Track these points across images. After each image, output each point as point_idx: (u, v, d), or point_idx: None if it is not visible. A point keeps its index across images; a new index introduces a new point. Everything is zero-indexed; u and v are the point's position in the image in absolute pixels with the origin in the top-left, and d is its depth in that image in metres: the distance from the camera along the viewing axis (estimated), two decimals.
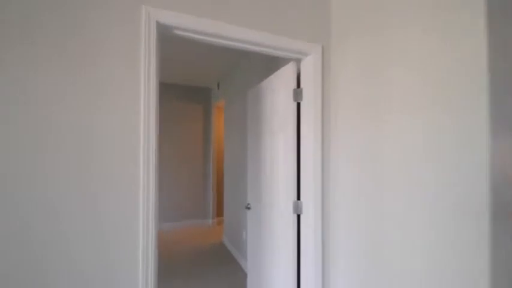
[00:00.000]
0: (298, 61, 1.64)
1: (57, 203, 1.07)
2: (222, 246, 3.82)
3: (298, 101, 1.61)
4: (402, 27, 1.16)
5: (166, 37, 2.81)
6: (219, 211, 5.36)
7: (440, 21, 1.02)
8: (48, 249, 1.05)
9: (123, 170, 1.15)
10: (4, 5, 1.01)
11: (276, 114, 1.81)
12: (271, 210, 1.86)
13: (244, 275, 2.92)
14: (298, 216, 1.62)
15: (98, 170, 1.12)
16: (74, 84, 1.09)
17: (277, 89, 1.80)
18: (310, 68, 1.53)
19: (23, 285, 1.02)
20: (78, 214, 1.10)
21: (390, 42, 1.21)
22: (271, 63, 2.54)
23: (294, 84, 1.62)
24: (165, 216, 4.72)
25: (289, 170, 1.62)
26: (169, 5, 1.24)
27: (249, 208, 2.26)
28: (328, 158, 1.54)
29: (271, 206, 1.86)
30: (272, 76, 1.89)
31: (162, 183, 4.72)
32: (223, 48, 3.13)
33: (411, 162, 1.11)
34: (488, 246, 0.87)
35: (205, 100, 5.08)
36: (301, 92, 1.59)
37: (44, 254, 1.05)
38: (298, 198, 1.61)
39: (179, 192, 4.84)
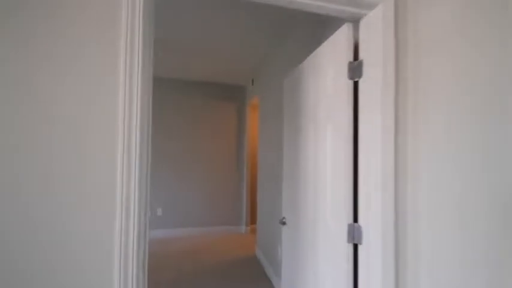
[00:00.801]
0: (355, 22, 1.15)
1: None
2: (254, 260, 3.39)
3: (356, 79, 1.12)
4: None
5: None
6: (254, 218, 4.96)
7: None
8: None
9: (85, 180, 0.80)
10: None
11: (322, 101, 1.34)
12: (314, 233, 1.38)
13: None
14: (355, 246, 1.11)
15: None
16: (18, 59, 0.76)
17: (324, 65, 1.32)
18: (376, 27, 1.03)
19: None
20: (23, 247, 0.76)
21: None
22: (311, 45, 2.06)
23: (349, 56, 1.13)
24: (194, 221, 4.46)
25: (342, 177, 1.14)
26: None
27: (284, 223, 1.80)
28: (405, 163, 1.01)
29: (314, 227, 1.38)
30: (316, 50, 1.42)
31: (191, 185, 4.48)
32: (256, 38, 2.74)
33: None
34: None
35: (238, 99, 4.75)
36: (360, 65, 1.10)
37: None
38: (355, 219, 1.11)
39: (211, 196, 4.55)
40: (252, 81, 4.09)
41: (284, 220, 1.80)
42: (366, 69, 1.07)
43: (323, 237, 1.29)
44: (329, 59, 1.27)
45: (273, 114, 3.00)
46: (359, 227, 1.07)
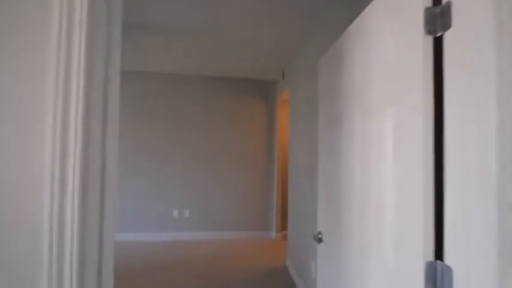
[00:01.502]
0: None
1: None
2: (284, 272, 3.02)
3: (438, 33, 0.71)
4: None
5: None
6: (285, 223, 4.58)
7: None
8: None
9: None
10: None
11: (376, 77, 0.94)
12: (362, 264, 0.99)
13: None
14: None
15: None
16: None
17: (379, 25, 0.93)
18: None
19: None
20: None
21: None
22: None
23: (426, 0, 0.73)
24: (222, 224, 4.22)
25: (414, 189, 0.74)
26: None
27: (320, 240, 1.42)
28: None
29: (364, 255, 0.99)
30: (365, 11, 1.03)
31: (220, 187, 4.24)
32: (289, 23, 2.38)
33: None
34: None
35: (268, 95, 4.42)
36: (447, 10, 0.69)
37: None
38: (439, 256, 0.71)
39: (239, 198, 4.27)
40: (283, 74, 3.72)
41: (320, 236, 1.42)
42: (459, 15, 0.66)
43: (377, 274, 0.90)
44: (388, 13, 0.88)
45: (305, 107, 2.61)
46: (447, 269, 0.67)
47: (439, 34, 0.71)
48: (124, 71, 4.10)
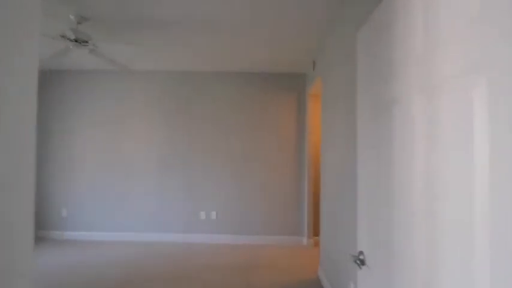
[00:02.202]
0: None
1: None
2: (316, 285, 2.70)
3: None
4: None
5: None
6: (318, 228, 4.22)
7: None
8: None
9: None
10: None
11: (450, 38, 0.62)
12: None
13: None
14: None
15: None
16: None
17: None
18: None
19: None
20: None
21: None
22: None
23: None
24: (250, 227, 4.00)
25: None
26: None
27: (362, 263, 1.11)
28: None
29: None
30: None
31: (248, 187, 4.02)
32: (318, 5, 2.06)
33: None
34: None
35: (297, 89, 4.10)
36: None
37: None
38: None
39: (268, 200, 4.02)
40: (314, 64, 3.39)
41: (362, 258, 1.11)
42: None
43: None
44: None
45: (340, 97, 2.27)
46: None
47: None
48: (148, 71, 4.08)
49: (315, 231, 4.13)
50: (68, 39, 2.41)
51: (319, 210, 4.12)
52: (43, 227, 4.07)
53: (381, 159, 0.98)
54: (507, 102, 0.49)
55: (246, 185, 4.01)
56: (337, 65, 2.37)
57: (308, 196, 3.90)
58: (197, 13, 2.40)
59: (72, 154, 4.08)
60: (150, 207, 4.03)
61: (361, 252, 1.12)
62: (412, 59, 0.79)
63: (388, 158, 0.92)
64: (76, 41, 2.44)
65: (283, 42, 2.96)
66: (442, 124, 0.66)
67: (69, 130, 4.10)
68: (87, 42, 2.48)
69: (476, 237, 0.55)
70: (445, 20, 0.65)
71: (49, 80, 4.14)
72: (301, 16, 2.41)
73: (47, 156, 4.10)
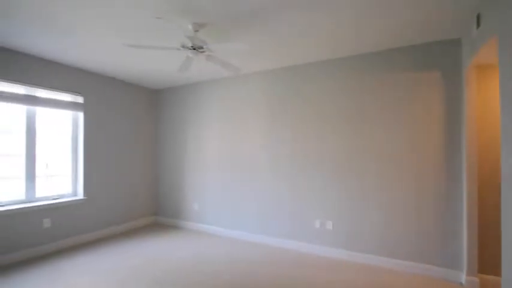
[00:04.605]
0: None
1: None
2: None
3: None
4: None
5: None
6: (486, 262, 2.86)
7: None
8: None
9: None
10: None
11: None
12: None
13: None
14: None
15: None
16: None
17: None
18: None
19: None
20: None
21: None
22: None
23: None
24: (374, 245, 3.20)
25: None
26: None
27: None
28: None
29: None
30: None
31: (373, 197, 3.22)
32: None
33: None
34: None
35: (445, 63, 2.90)
36: None
37: None
38: None
39: (401, 215, 3.09)
40: (478, 19, 2.21)
41: None
42: None
43: None
44: None
45: None
46: None
47: None
48: (260, 72, 3.95)
49: (481, 265, 2.84)
50: (186, 48, 2.51)
51: (487, 235, 2.77)
52: (181, 217, 4.77)
53: None
54: None
55: (374, 193, 3.23)
56: None
57: (468, 213, 2.69)
58: None
59: (202, 156, 4.57)
60: (262, 208, 3.95)
61: None
62: None
63: None
64: (193, 48, 2.50)
65: None
66: None
67: (199, 136, 4.61)
68: (202, 47, 2.52)
69: None
70: None
71: (183, 94, 4.77)
72: None
73: (184, 158, 4.76)
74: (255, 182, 4.01)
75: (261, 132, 3.98)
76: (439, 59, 2.91)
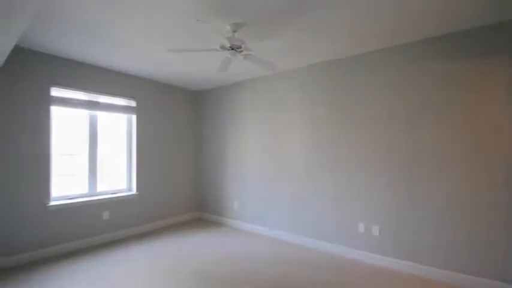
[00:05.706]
0: None
1: None
2: None
3: None
4: None
5: None
6: None
7: None
8: None
9: None
10: None
11: None
12: None
13: None
14: None
15: None
16: None
17: None
18: None
19: None
20: None
21: None
22: None
23: None
24: (425, 256, 2.90)
25: None
26: None
27: None
28: None
29: None
30: None
31: (425, 201, 2.94)
32: None
33: None
34: None
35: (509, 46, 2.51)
36: None
37: None
38: None
39: (459, 222, 2.77)
40: None
41: None
42: None
43: None
44: None
45: None
46: None
47: None
48: (298, 69, 3.88)
49: None
50: (225, 49, 2.58)
51: None
52: (223, 214, 4.93)
53: None
54: None
55: (427, 197, 2.94)
56: None
57: None
58: None
59: (241, 156, 4.67)
60: (302, 209, 3.87)
61: None
62: None
63: None
64: (232, 48, 2.56)
65: None
66: None
67: (238, 136, 4.72)
68: (240, 47, 2.56)
69: None
70: None
71: (223, 94, 4.93)
72: None
73: (226, 158, 4.92)
74: (294, 183, 3.95)
75: (301, 132, 3.91)
76: (503, 43, 2.53)
